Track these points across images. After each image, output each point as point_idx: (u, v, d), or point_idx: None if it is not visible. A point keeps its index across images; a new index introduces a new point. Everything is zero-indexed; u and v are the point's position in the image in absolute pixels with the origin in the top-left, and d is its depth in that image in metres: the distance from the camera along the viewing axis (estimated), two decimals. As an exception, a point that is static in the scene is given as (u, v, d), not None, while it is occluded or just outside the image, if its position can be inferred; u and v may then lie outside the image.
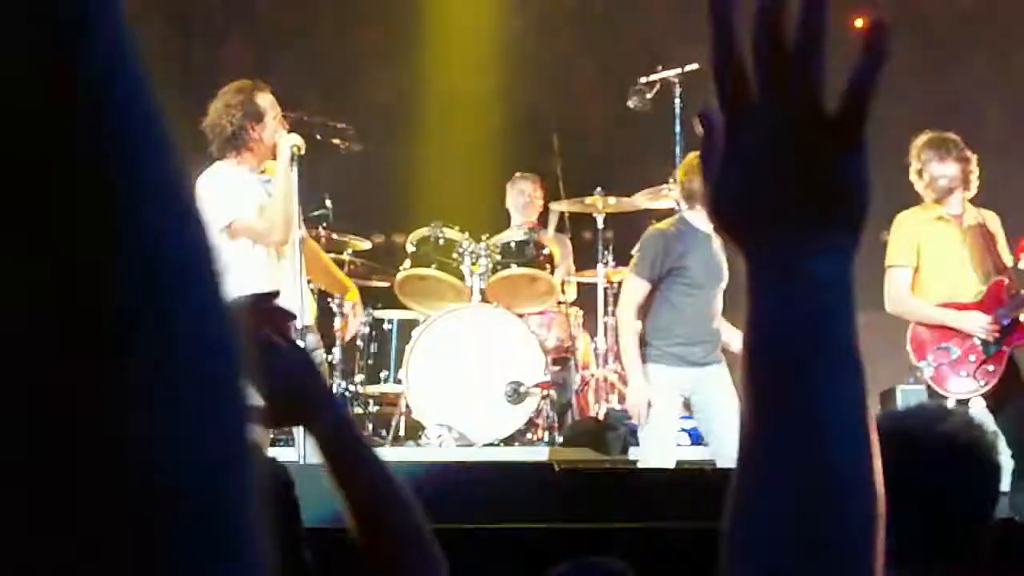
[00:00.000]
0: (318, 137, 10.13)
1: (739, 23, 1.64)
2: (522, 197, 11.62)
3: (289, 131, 9.26)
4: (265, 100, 9.17)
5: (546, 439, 10.31)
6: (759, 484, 1.64)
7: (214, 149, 9.16)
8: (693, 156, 9.79)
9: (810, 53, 1.61)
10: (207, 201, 9.15)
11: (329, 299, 10.56)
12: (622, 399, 10.69)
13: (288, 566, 3.15)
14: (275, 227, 9.03)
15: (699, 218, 9.22)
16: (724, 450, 9.23)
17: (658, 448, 9.54)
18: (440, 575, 3.20)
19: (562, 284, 11.07)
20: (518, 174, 11.82)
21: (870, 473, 1.62)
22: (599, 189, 11.06)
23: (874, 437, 1.60)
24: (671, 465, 9.27)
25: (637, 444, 10.11)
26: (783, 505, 1.62)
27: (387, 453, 10.06)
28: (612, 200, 11.05)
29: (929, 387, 9.93)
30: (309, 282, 9.58)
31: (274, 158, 9.16)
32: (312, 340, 9.49)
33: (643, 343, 9.33)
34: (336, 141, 10.66)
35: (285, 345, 2.84)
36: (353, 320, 10.05)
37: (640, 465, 9.66)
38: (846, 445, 1.62)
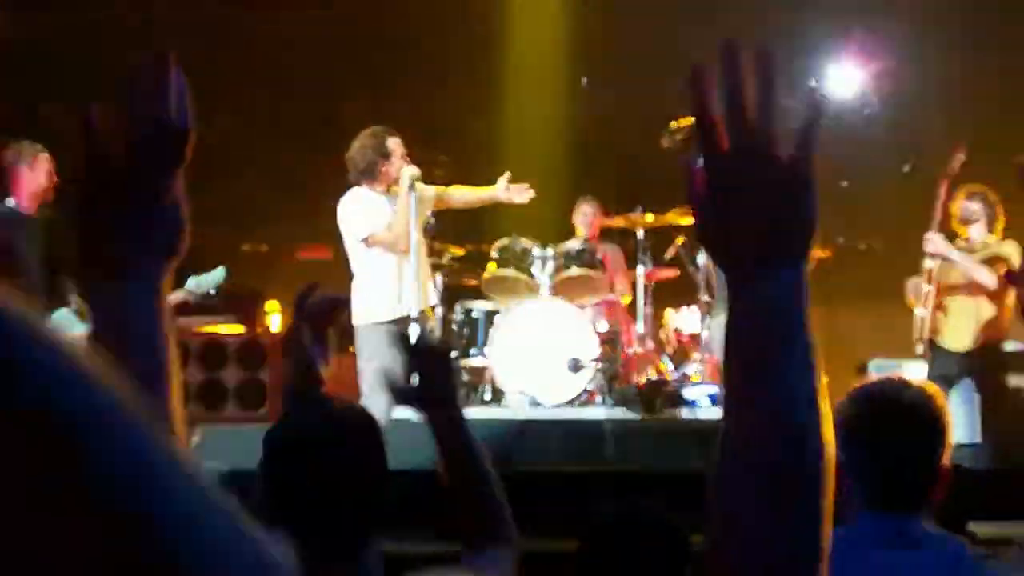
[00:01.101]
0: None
1: (713, 95, 1.76)
2: (585, 217, 11.66)
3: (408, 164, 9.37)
4: (392, 142, 9.42)
5: (598, 401, 10.34)
6: (740, 441, 1.69)
7: (352, 177, 9.34)
8: None
9: (765, 118, 1.68)
10: (348, 216, 9.31)
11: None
12: (658, 371, 10.76)
13: (374, 500, 3.18)
14: (400, 239, 9.26)
15: None
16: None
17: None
18: (506, 534, 3.28)
19: (623, 295, 11.13)
20: (582, 198, 11.80)
21: (821, 429, 1.65)
22: (640, 207, 11.09)
23: (825, 403, 1.65)
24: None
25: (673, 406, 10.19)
26: (759, 455, 1.66)
27: (477, 412, 10.15)
28: (650, 217, 11.08)
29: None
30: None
31: (398, 184, 9.28)
32: (428, 324, 9.61)
33: None
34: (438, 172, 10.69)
35: (438, 347, 2.85)
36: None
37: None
38: (804, 409, 1.65)
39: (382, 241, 9.31)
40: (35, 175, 9.38)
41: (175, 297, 9.41)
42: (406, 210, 9.24)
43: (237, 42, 14.92)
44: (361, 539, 3.13)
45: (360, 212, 9.35)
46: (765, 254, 1.68)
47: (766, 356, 1.69)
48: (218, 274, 9.73)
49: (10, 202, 9.41)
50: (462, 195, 10.01)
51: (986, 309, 9.80)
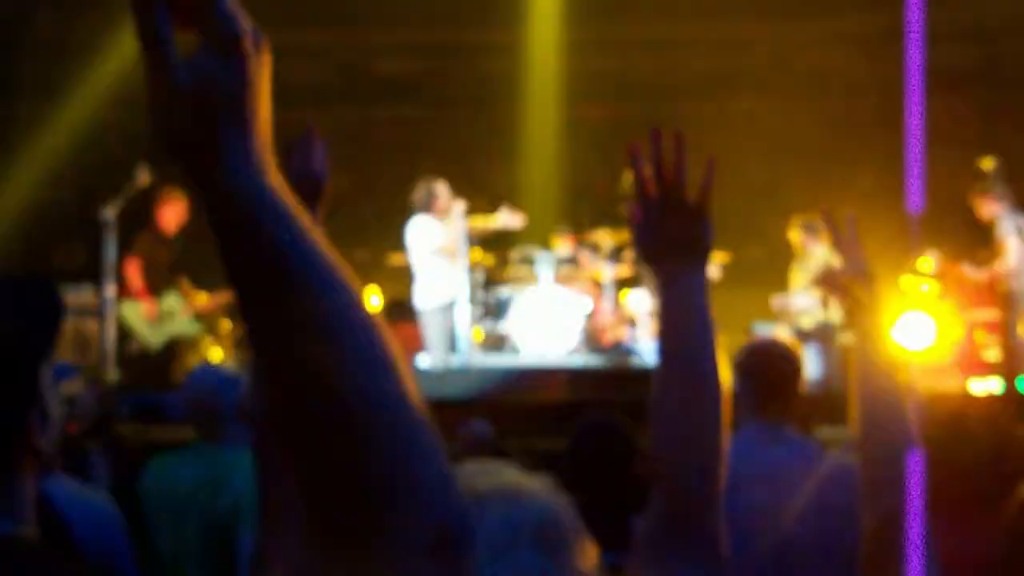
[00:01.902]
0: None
1: (643, 162, 1.81)
2: (566, 242, 11.52)
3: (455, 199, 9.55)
4: (439, 187, 9.46)
5: (581, 353, 10.35)
6: (667, 390, 1.75)
7: (416, 209, 9.38)
8: None
9: (678, 180, 1.77)
10: (416, 234, 9.28)
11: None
12: (621, 338, 10.74)
13: None
14: (453, 254, 9.39)
15: None
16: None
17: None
18: None
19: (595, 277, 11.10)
20: (566, 229, 11.50)
21: (719, 371, 1.73)
22: (604, 227, 11.04)
23: (721, 357, 1.73)
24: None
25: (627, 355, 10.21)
26: (683, 389, 1.73)
27: (502, 360, 10.19)
28: (610, 232, 11.04)
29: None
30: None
31: (447, 213, 9.41)
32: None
33: None
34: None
35: None
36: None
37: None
38: (710, 359, 1.72)
39: (441, 252, 9.44)
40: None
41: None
42: (455, 231, 9.40)
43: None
44: None
45: (422, 234, 9.48)
46: (683, 261, 1.75)
47: (686, 327, 1.74)
48: None
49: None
50: (484, 224, 10.01)
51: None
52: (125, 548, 2.98)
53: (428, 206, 9.44)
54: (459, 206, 9.47)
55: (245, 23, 0.91)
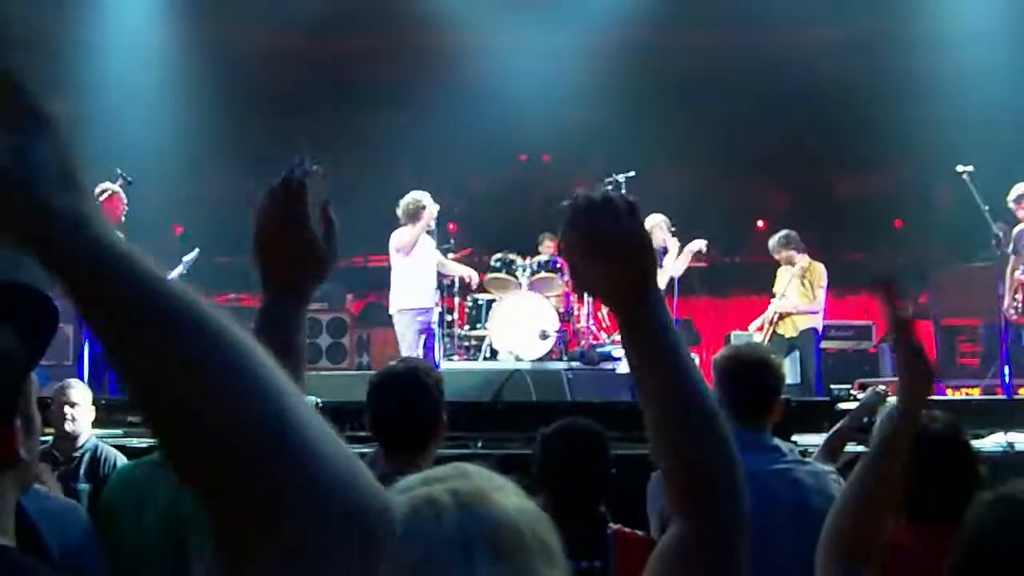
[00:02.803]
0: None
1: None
2: (547, 248, 11.57)
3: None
4: (427, 198, 9.60)
5: (559, 358, 10.34)
6: (659, 417, 1.58)
7: (402, 221, 9.48)
8: (657, 217, 9.91)
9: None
10: (398, 240, 9.35)
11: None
12: (596, 339, 10.73)
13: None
14: (432, 264, 9.77)
15: None
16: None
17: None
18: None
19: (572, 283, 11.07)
20: (547, 235, 11.68)
21: (703, 391, 1.58)
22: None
23: (700, 376, 1.58)
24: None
25: (603, 361, 10.19)
26: (684, 404, 1.56)
27: (480, 365, 10.17)
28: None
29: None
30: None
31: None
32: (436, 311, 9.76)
33: None
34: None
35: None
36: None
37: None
38: (693, 384, 1.57)
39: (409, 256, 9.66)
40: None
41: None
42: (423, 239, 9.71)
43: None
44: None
45: (405, 240, 9.62)
46: (636, 290, 1.60)
47: (664, 344, 1.60)
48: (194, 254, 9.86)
49: None
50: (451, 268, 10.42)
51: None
52: (94, 554, 2.94)
53: (415, 217, 9.49)
54: (431, 211, 9.63)
55: (34, 89, 0.93)
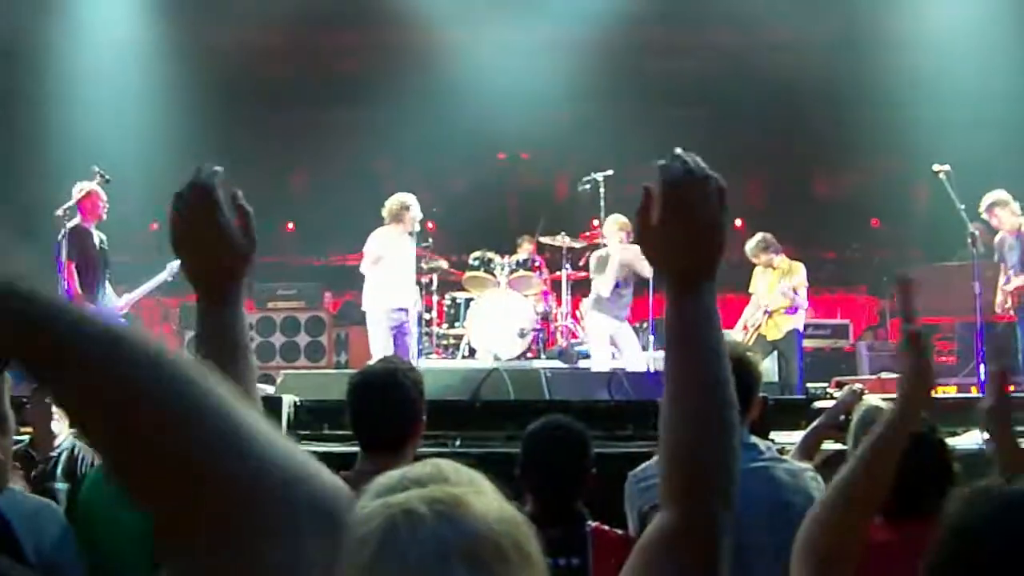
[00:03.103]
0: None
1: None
2: (526, 247, 11.58)
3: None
4: (410, 201, 9.58)
5: (538, 357, 10.35)
6: (689, 386, 1.63)
7: (386, 221, 9.48)
8: (615, 218, 9.90)
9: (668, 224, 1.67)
10: (380, 243, 9.32)
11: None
12: (574, 337, 10.74)
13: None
14: (411, 267, 9.78)
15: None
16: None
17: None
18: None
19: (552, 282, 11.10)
20: (526, 236, 11.71)
21: (728, 381, 1.64)
22: (563, 233, 11.08)
23: (729, 367, 1.64)
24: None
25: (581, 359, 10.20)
26: (709, 394, 1.62)
27: (458, 364, 10.16)
28: (568, 238, 11.06)
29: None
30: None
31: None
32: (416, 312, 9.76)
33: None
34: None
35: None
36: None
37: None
38: (722, 372, 1.63)
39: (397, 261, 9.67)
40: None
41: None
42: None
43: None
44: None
45: (380, 242, 9.64)
46: (699, 275, 1.67)
47: (706, 333, 1.66)
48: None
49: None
50: None
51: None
52: (71, 553, 2.93)
53: (398, 218, 9.48)
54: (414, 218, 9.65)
55: None
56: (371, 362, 3.59)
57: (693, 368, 1.63)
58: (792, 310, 9.99)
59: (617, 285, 9.65)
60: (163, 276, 9.54)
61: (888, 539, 2.80)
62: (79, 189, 8.95)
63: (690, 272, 1.66)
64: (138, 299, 9.71)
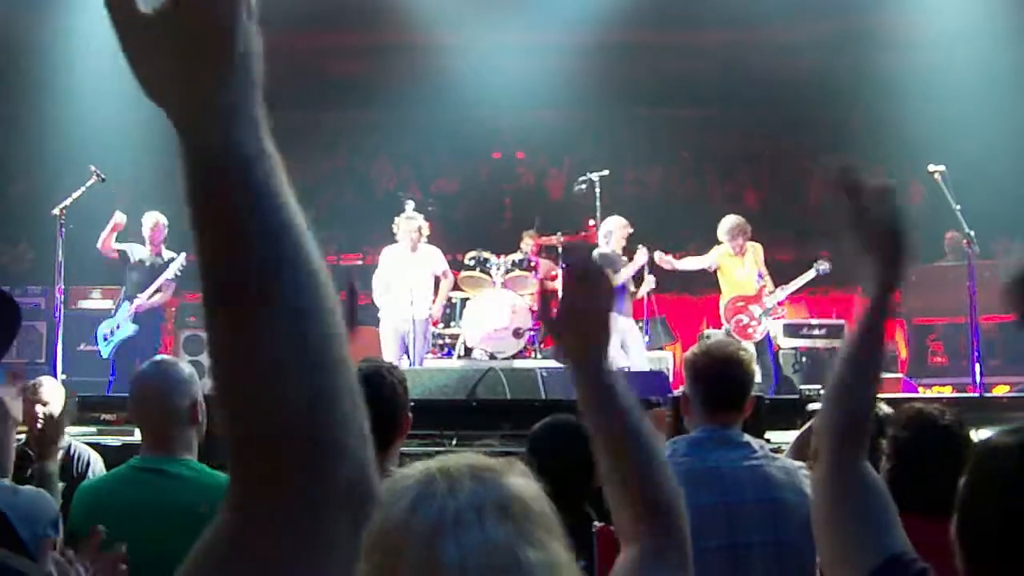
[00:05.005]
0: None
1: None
2: (527, 243, 11.58)
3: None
4: (398, 218, 10.03)
5: (533, 356, 10.36)
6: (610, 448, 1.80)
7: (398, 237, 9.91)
8: (616, 220, 9.97)
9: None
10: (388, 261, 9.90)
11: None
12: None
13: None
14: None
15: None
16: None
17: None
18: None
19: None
20: (525, 232, 11.70)
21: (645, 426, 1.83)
22: (559, 232, 11.09)
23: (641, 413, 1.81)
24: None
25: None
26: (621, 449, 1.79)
27: (454, 363, 10.17)
28: (562, 236, 11.06)
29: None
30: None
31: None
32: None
33: None
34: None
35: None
36: None
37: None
38: (637, 419, 1.80)
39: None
40: None
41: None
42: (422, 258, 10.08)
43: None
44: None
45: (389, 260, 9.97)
46: (596, 354, 1.85)
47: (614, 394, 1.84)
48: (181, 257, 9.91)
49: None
50: None
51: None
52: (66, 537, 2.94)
53: (396, 236, 9.99)
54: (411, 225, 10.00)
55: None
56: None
57: (615, 424, 1.77)
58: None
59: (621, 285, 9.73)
60: (168, 274, 9.61)
61: (924, 539, 2.82)
62: (152, 223, 9.69)
63: (587, 349, 1.81)
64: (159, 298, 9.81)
